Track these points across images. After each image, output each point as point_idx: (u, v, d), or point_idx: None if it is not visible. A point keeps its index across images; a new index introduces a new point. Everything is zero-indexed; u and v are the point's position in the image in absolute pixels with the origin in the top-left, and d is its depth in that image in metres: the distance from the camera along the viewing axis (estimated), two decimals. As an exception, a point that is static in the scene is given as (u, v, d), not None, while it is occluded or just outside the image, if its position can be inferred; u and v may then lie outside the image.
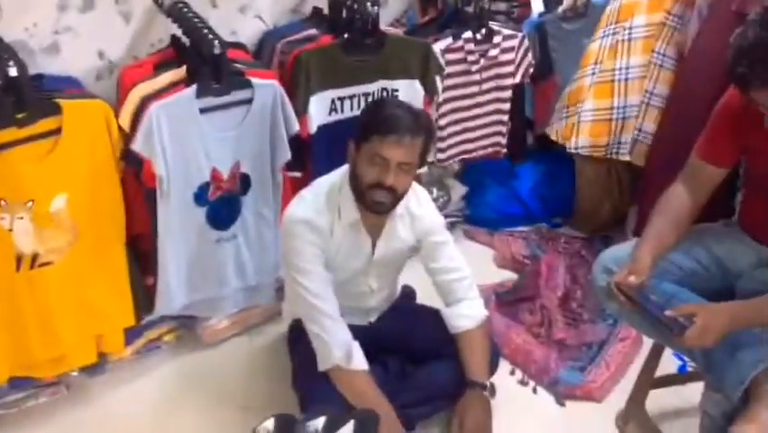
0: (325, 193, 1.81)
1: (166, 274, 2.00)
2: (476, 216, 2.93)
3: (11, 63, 1.59)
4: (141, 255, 2.03)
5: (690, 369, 2.07)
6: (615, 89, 2.55)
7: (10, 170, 1.65)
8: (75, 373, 2.01)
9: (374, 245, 1.87)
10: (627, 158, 2.58)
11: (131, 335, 2.07)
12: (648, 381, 1.87)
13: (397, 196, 1.73)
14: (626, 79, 2.53)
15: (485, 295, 2.47)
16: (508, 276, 2.63)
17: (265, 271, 2.20)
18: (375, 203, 1.71)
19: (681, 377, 1.98)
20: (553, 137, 2.70)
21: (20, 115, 1.63)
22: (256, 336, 2.32)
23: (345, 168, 1.83)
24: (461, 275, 1.94)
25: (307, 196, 1.83)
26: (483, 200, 2.92)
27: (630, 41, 2.46)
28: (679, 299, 1.49)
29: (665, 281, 1.57)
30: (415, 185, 1.92)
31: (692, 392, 1.81)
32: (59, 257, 1.80)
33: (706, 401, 1.46)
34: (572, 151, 2.64)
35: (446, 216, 2.85)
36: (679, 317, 1.38)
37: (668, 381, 1.88)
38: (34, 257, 1.76)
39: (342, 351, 1.74)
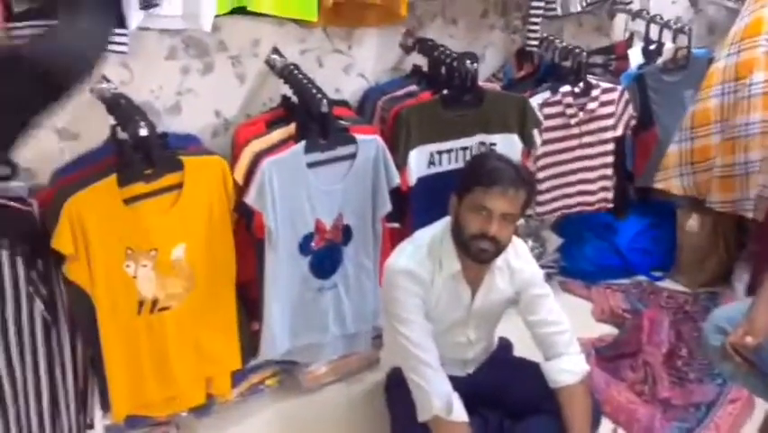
0: (427, 245, 1.86)
1: (271, 320, 2.08)
2: (572, 269, 2.90)
3: (141, 124, 1.74)
4: (248, 301, 2.13)
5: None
6: (736, 146, 2.52)
7: (138, 222, 1.78)
8: (184, 414, 2.11)
9: (473, 297, 1.88)
10: (751, 215, 2.53)
11: (236, 378, 2.16)
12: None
13: (499, 246, 1.76)
14: (747, 135, 2.49)
15: (584, 350, 2.42)
16: (608, 330, 2.57)
17: (363, 319, 2.25)
18: (480, 251, 1.74)
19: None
20: (679, 192, 2.70)
21: (148, 171, 1.77)
22: (354, 384, 2.36)
23: (445, 220, 1.87)
24: (561, 328, 1.93)
25: (409, 247, 1.88)
26: (581, 252, 2.88)
27: (750, 97, 2.43)
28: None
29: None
30: (516, 239, 1.94)
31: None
32: (177, 303, 1.92)
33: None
34: (709, 205, 2.62)
35: (542, 268, 2.85)
36: None
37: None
38: (154, 302, 1.88)
39: (442, 402, 1.75)
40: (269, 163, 1.90)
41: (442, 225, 1.88)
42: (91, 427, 1.92)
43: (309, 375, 2.31)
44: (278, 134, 2.00)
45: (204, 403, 2.11)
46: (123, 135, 1.79)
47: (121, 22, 1.75)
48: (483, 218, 1.71)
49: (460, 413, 1.75)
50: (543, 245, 2.83)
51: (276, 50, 2.14)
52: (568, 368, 1.88)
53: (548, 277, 2.89)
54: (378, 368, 2.34)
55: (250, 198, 1.90)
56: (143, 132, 1.73)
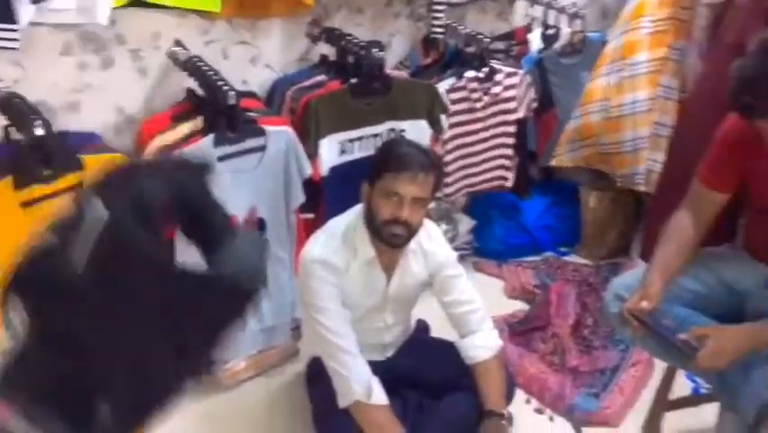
0: (341, 233, 1.87)
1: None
2: (484, 249, 2.99)
3: (37, 123, 1.67)
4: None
5: (703, 391, 2.10)
6: (625, 123, 2.63)
7: (35, 225, 1.71)
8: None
9: (389, 282, 1.92)
10: (643, 188, 2.65)
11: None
12: (663, 404, 1.91)
13: (411, 230, 1.79)
14: (634, 113, 2.61)
15: (498, 326, 2.50)
16: (519, 306, 2.67)
17: (281, 311, 2.25)
18: (392, 235, 1.77)
19: (695, 399, 2.01)
20: (571, 164, 2.79)
21: (46, 172, 1.71)
22: (275, 377, 2.35)
23: (358, 208, 1.89)
24: (474, 307, 1.99)
25: (322, 236, 1.89)
26: (490, 233, 2.98)
27: (634, 76, 2.56)
28: (691, 323, 1.54)
29: (676, 306, 1.62)
30: (426, 221, 1.99)
31: (706, 414, 1.85)
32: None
33: (722, 422, 1.50)
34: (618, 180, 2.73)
35: (455, 250, 2.92)
36: (692, 340, 1.43)
37: (682, 403, 1.92)
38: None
39: (362, 387, 1.78)
40: (176, 159, 1.86)
41: (355, 213, 1.90)
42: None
43: (228, 372, 2.28)
44: (185, 128, 1.96)
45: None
46: (17, 136, 1.71)
47: (10, 17, 1.67)
48: (395, 204, 1.75)
49: (380, 396, 1.79)
50: (455, 228, 2.91)
51: (178, 43, 2.10)
52: (482, 344, 1.95)
53: (461, 258, 2.94)
54: (298, 359, 2.35)
55: (157, 195, 1.85)
56: (39, 131, 1.67)
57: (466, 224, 2.94)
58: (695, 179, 1.68)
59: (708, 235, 1.74)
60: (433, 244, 1.97)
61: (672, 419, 1.93)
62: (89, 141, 1.93)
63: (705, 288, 1.65)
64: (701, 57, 2.34)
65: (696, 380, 2.07)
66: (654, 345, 1.61)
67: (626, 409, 2.15)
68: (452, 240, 2.88)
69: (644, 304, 1.50)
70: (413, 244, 1.90)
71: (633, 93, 2.57)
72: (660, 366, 1.97)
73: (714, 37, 2.26)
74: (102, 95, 2.05)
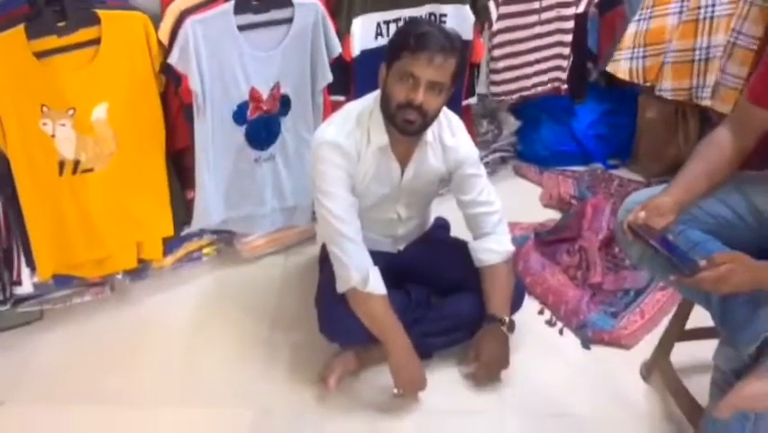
0: (356, 117, 1.80)
1: (203, 189, 2.06)
2: (528, 153, 2.85)
3: (55, -26, 1.63)
4: (184, 169, 2.10)
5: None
6: (699, 28, 2.36)
7: (51, 77, 1.71)
8: (119, 277, 2.13)
9: (403, 172, 1.85)
10: (709, 103, 2.41)
11: (171, 245, 2.17)
12: (676, 332, 1.80)
13: (426, 117, 1.69)
14: (712, 17, 2.33)
15: (526, 233, 2.43)
16: (553, 216, 2.55)
17: (303, 192, 2.23)
18: (404, 121, 1.68)
19: (710, 331, 1.89)
20: (626, 77, 2.53)
21: (60, 24, 1.68)
22: (293, 256, 2.37)
23: (377, 92, 1.80)
24: (490, 209, 1.91)
25: (337, 119, 1.82)
26: (537, 136, 2.81)
27: None
28: (703, 248, 1.40)
29: (694, 229, 1.47)
30: (451, 115, 1.88)
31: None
32: (101, 165, 1.88)
33: (718, 355, 1.39)
34: (659, 93, 2.48)
35: (496, 151, 2.81)
36: (699, 259, 1.31)
37: (697, 334, 1.80)
38: (76, 163, 1.84)
39: (360, 274, 1.76)
40: (193, 22, 1.80)
41: (373, 98, 1.81)
42: (18, 283, 1.93)
43: (247, 246, 2.32)
44: (207, -9, 1.88)
45: (138, 267, 2.13)
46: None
47: None
48: (410, 86, 1.64)
49: (376, 285, 1.76)
50: (499, 127, 2.76)
51: None
52: (493, 248, 1.88)
53: (502, 160, 2.86)
54: (317, 241, 2.34)
55: (173, 59, 1.82)
56: (57, -18, 1.63)
57: (511, 124, 2.79)
58: (743, 93, 1.49)
59: (756, 157, 1.57)
60: (454, 140, 1.86)
61: (684, 350, 1.83)
62: (112, -3, 1.88)
63: (732, 214, 1.49)
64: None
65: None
66: (655, 264, 1.48)
67: (643, 332, 2.06)
68: (493, 140, 2.76)
69: (641, 214, 1.37)
70: (430, 137, 1.81)
71: None
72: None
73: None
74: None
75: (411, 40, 1.62)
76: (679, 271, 1.32)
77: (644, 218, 1.36)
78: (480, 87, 2.52)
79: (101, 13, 1.72)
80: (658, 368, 1.86)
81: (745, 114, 1.50)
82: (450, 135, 1.86)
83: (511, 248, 1.91)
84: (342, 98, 2.21)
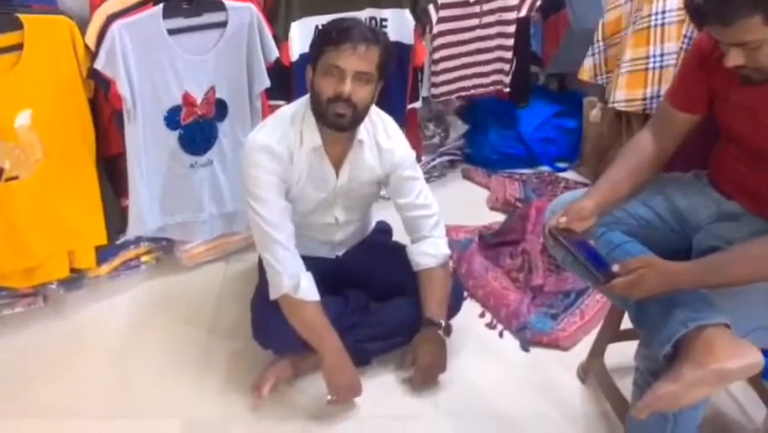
0: (289, 119, 1.77)
1: (137, 195, 2.02)
2: (476, 156, 2.86)
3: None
4: (119, 176, 2.06)
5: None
6: (651, 36, 2.36)
7: (-31, 84, 1.67)
8: (53, 287, 2.08)
9: (338, 175, 1.83)
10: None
11: (106, 253, 2.13)
12: (609, 334, 1.81)
13: (356, 109, 1.67)
14: (663, 24, 2.34)
15: (470, 236, 2.43)
16: (499, 219, 2.55)
17: (243, 198, 2.19)
18: (335, 115, 1.65)
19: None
20: (590, 77, 2.52)
21: (-21, 29, 1.64)
22: (234, 263, 2.35)
23: (308, 95, 1.78)
24: (428, 212, 1.90)
25: (270, 122, 1.80)
26: (485, 140, 2.82)
27: None
28: (623, 250, 1.41)
29: (616, 231, 1.48)
30: (385, 117, 1.87)
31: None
32: (26, 172, 1.83)
33: (638, 356, 1.39)
34: (612, 105, 2.46)
35: (444, 154, 2.81)
36: (613, 265, 1.31)
37: (631, 335, 1.80)
38: (0, 171, 1.80)
39: (291, 280, 1.74)
40: (119, 26, 1.77)
41: (303, 101, 1.79)
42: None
43: (187, 253, 2.28)
44: (136, -5, 1.85)
45: (73, 277, 2.08)
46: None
47: None
48: (336, 80, 1.63)
49: (308, 292, 1.74)
50: (446, 131, 2.77)
51: None
52: (429, 251, 1.87)
53: (451, 164, 2.86)
54: (259, 248, 2.32)
55: (99, 63, 1.78)
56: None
57: (459, 128, 2.79)
58: (663, 97, 1.50)
59: (681, 161, 1.58)
60: (390, 142, 1.85)
61: (620, 351, 1.83)
62: (39, 1, 1.84)
63: (653, 216, 1.50)
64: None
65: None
66: (578, 272, 1.49)
67: (581, 333, 2.06)
68: (440, 143, 2.76)
69: (563, 219, 1.37)
70: (365, 136, 1.79)
71: (663, 2, 2.28)
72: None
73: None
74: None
75: (333, 33, 1.62)
76: (594, 277, 1.32)
77: (566, 222, 1.37)
78: (424, 91, 2.52)
79: (24, 17, 1.69)
80: (592, 369, 1.86)
81: (666, 117, 1.51)
82: (386, 137, 1.85)
83: (447, 251, 1.90)
84: (282, 103, 2.17)
